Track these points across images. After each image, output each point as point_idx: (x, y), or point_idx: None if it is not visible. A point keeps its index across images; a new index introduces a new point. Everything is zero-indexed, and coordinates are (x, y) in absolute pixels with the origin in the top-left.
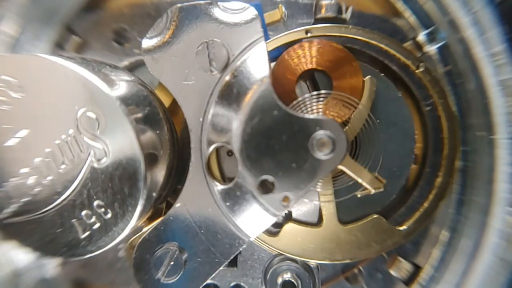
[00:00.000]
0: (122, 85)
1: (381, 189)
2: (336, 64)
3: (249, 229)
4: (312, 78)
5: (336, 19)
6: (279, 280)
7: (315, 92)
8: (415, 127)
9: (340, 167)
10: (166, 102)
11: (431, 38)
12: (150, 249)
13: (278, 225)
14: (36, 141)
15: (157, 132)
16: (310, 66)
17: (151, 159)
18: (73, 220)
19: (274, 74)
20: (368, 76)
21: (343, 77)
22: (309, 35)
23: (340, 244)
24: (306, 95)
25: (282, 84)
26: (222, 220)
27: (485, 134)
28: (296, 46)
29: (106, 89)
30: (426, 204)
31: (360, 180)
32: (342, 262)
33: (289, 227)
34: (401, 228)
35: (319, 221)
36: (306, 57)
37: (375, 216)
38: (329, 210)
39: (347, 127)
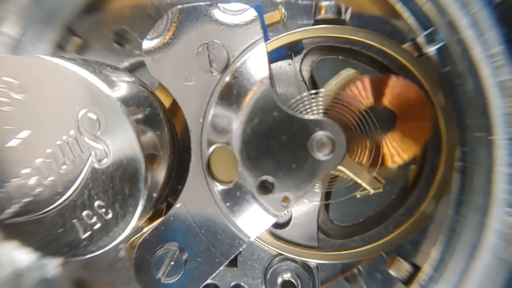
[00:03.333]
0: (123, 86)
1: (381, 190)
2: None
3: (249, 229)
4: (312, 79)
5: (336, 20)
6: (279, 280)
7: (313, 91)
8: None
9: (340, 167)
10: (167, 103)
11: (430, 39)
12: (151, 249)
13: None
14: (37, 142)
15: (158, 132)
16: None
17: (152, 160)
18: (74, 221)
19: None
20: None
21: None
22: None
23: None
24: (305, 94)
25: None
26: (222, 220)
27: (483, 135)
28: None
29: (107, 90)
30: (425, 205)
31: (359, 181)
32: (341, 262)
33: None
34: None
35: None
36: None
37: None
38: None
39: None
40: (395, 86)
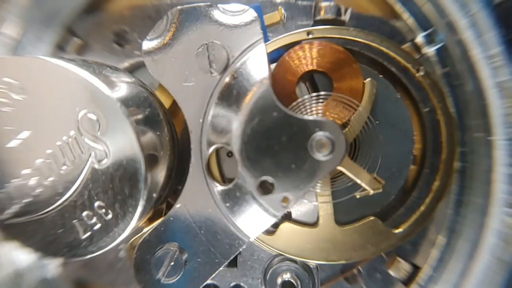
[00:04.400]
0: (123, 87)
1: (380, 190)
2: (336, 66)
3: (249, 230)
4: (312, 80)
5: (335, 21)
6: (279, 281)
7: (314, 94)
8: (414, 128)
9: (339, 168)
10: (166, 103)
11: (429, 40)
12: (151, 250)
13: (275, 225)
14: (38, 143)
15: (158, 133)
16: (310, 67)
17: (152, 160)
18: (74, 221)
19: (275, 75)
20: (369, 79)
21: (343, 78)
22: (310, 36)
23: (336, 245)
24: (306, 96)
25: (283, 85)
26: (222, 220)
27: (483, 135)
28: (296, 47)
29: (107, 91)
30: (424, 205)
31: (359, 181)
32: (337, 262)
33: (286, 226)
34: (397, 231)
35: (316, 222)
36: (307, 59)
37: (372, 218)
38: (326, 211)
39: (346, 129)
40: (324, 51)
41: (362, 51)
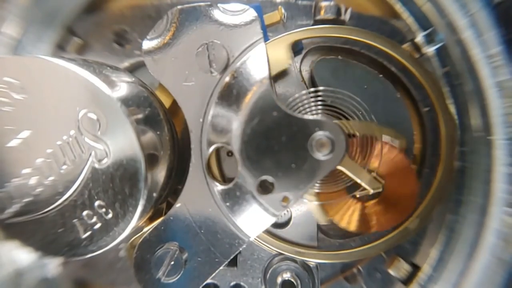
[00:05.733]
0: (123, 86)
1: (380, 190)
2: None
3: (249, 229)
4: (312, 78)
5: (335, 21)
6: (279, 280)
7: (312, 89)
8: (414, 128)
9: (339, 167)
10: (167, 103)
11: (429, 40)
12: (151, 249)
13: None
14: (38, 142)
15: (158, 133)
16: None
17: (152, 160)
18: (74, 220)
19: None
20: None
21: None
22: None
23: None
24: (304, 92)
25: None
26: (222, 220)
27: (482, 135)
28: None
29: (107, 90)
30: (424, 204)
31: (359, 181)
32: (340, 261)
33: None
34: (397, 230)
35: None
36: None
37: None
38: None
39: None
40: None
41: (362, 51)
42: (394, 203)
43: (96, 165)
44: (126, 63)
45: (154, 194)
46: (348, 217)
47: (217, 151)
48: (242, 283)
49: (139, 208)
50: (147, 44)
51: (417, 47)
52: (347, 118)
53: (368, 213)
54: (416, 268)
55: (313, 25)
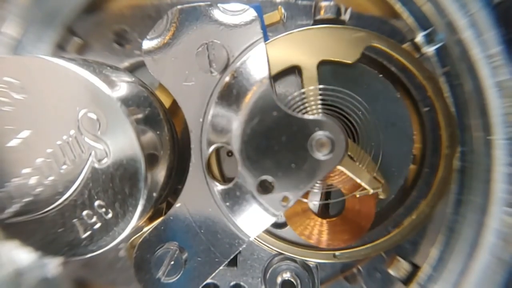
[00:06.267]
0: (123, 86)
1: (380, 190)
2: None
3: (249, 229)
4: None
5: (335, 21)
6: (279, 280)
7: (312, 87)
8: (414, 128)
9: (339, 167)
10: (167, 103)
11: (429, 40)
12: (151, 249)
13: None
14: (38, 142)
15: (158, 132)
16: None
17: (152, 160)
18: (74, 220)
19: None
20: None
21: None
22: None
23: None
24: (302, 90)
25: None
26: (222, 220)
27: (482, 135)
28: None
29: (107, 90)
30: (424, 204)
31: (359, 180)
32: (340, 261)
33: None
34: (397, 230)
35: None
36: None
37: None
38: None
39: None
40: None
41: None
42: (350, 223)
43: (96, 165)
44: (126, 63)
45: (154, 194)
46: (309, 231)
47: (217, 151)
48: (242, 283)
49: (139, 208)
50: (147, 44)
51: (417, 47)
52: (347, 118)
53: (322, 230)
54: (416, 268)
55: (313, 25)
